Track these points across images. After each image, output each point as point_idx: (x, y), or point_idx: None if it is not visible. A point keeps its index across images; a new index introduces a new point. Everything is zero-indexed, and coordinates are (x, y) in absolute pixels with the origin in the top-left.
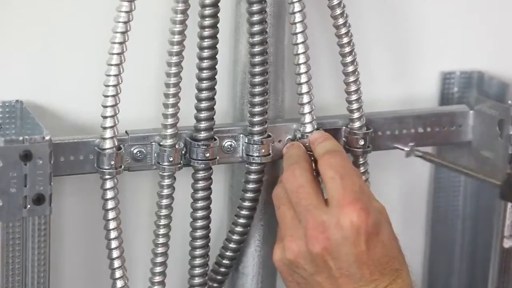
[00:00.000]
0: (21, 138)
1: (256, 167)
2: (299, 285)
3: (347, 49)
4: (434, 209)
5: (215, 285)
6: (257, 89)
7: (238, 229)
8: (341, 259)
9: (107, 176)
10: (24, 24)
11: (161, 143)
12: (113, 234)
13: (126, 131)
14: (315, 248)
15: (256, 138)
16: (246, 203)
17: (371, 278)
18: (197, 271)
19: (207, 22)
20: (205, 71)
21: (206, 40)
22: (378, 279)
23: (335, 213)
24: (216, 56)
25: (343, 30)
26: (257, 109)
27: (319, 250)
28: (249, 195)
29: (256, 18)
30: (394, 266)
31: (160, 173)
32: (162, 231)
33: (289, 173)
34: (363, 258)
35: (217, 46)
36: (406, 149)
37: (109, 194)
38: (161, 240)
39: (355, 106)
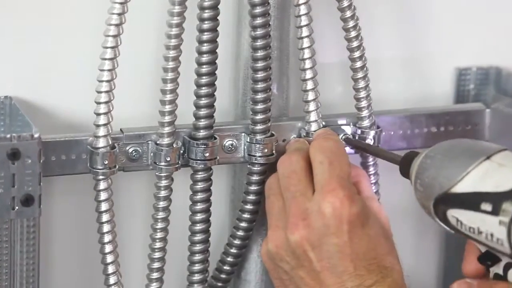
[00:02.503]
0: (8, 135)
1: (258, 168)
2: (283, 282)
3: (355, 44)
4: None
5: None
6: (260, 85)
7: (240, 233)
8: (322, 249)
9: (101, 177)
10: (13, 19)
11: (157, 142)
12: (107, 238)
13: (120, 129)
14: (294, 236)
15: (258, 137)
16: (248, 206)
17: (356, 273)
18: (196, 277)
19: (207, 14)
20: (204, 66)
21: (205, 33)
22: (364, 275)
23: (317, 200)
24: (216, 51)
25: (351, 23)
26: (260, 106)
27: (298, 238)
28: (251, 197)
29: (258, 10)
30: (383, 264)
31: (157, 173)
32: (159, 235)
33: (285, 157)
34: (345, 249)
35: (217, 39)
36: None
37: (103, 196)
38: (158, 244)
39: (363, 103)
